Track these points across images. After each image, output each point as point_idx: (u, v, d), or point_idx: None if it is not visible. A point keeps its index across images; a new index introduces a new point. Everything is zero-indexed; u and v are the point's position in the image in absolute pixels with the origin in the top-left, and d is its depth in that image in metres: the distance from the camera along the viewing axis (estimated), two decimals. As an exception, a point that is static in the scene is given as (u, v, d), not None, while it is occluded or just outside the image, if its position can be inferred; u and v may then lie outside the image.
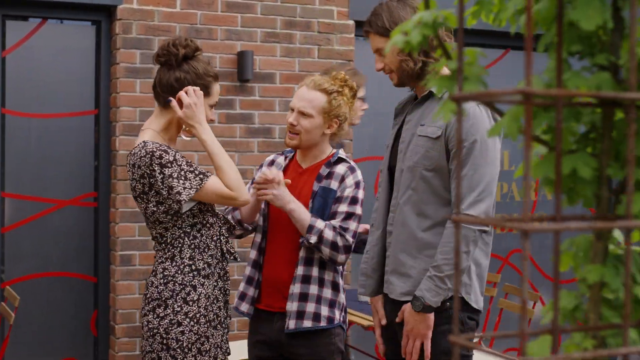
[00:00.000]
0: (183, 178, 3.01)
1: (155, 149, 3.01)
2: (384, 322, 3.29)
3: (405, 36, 1.41)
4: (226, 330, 3.23)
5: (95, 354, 5.56)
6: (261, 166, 3.76)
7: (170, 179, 3.00)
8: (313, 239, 3.39)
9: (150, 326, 3.08)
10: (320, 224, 3.43)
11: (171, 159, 3.02)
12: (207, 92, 3.17)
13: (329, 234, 3.41)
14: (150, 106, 5.34)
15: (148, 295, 3.13)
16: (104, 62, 5.50)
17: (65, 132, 5.50)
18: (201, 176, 3.04)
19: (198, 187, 3.02)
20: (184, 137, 3.27)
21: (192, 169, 3.05)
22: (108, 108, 5.50)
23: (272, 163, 3.74)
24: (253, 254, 3.55)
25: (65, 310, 5.52)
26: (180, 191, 2.99)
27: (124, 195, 5.33)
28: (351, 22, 5.92)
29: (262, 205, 3.62)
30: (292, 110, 3.56)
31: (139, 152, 3.04)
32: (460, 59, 1.29)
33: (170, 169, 3.00)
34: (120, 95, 5.33)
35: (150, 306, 3.10)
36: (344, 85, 3.61)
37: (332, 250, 3.42)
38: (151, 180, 3.02)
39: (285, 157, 3.71)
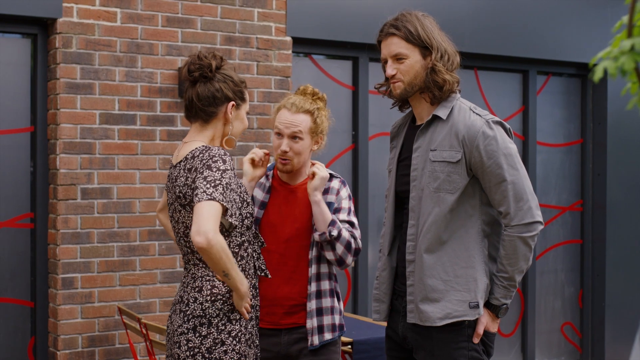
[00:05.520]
0: (214, 185, 2.85)
1: (216, 154, 2.91)
2: None
3: (614, 62, 1.43)
4: (257, 350, 3.16)
5: (33, 382, 5.30)
6: None
7: (203, 181, 2.86)
8: (335, 232, 3.43)
9: (190, 345, 2.97)
10: (339, 222, 3.46)
11: (223, 168, 2.89)
12: (243, 99, 3.15)
13: (346, 234, 3.47)
14: (91, 123, 5.18)
15: (189, 312, 2.99)
16: (41, 77, 5.27)
17: (-2, 151, 5.24)
18: (223, 197, 2.85)
19: (214, 199, 2.84)
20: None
21: (227, 188, 2.87)
22: (45, 125, 5.28)
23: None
24: None
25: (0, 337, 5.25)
26: (200, 192, 2.83)
27: (65, 215, 5.12)
28: (289, 39, 5.91)
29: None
30: (279, 134, 3.55)
31: (200, 155, 2.93)
32: None
33: (211, 172, 2.87)
34: (60, 111, 5.12)
35: (191, 324, 2.98)
36: (317, 98, 3.63)
37: (345, 249, 3.48)
38: (194, 179, 2.90)
39: (267, 176, 3.69)
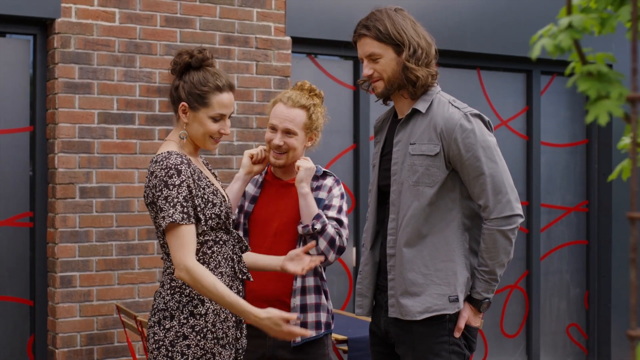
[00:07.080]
0: (172, 204, 2.89)
1: (172, 166, 2.91)
2: None
3: (552, 40, 1.42)
4: (240, 352, 3.13)
5: (32, 380, 5.33)
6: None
7: (164, 201, 2.90)
8: (318, 226, 3.40)
9: (156, 338, 2.98)
10: (325, 217, 3.44)
11: (178, 182, 2.90)
12: (202, 102, 3.04)
13: (331, 230, 3.43)
14: (90, 122, 5.21)
15: (154, 306, 3.03)
16: (40, 77, 5.31)
17: (-2, 150, 5.28)
18: (185, 216, 2.90)
19: (175, 221, 2.89)
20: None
21: (186, 202, 2.91)
22: (44, 124, 5.31)
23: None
24: None
25: (-1, 336, 5.28)
26: (165, 216, 2.89)
27: (64, 214, 5.15)
28: (288, 39, 5.92)
29: (242, 220, 3.59)
30: (273, 129, 3.53)
31: (161, 162, 2.94)
32: (635, 59, 1.30)
33: (169, 191, 2.90)
34: (59, 111, 5.15)
35: (156, 317, 3.00)
36: (313, 95, 3.61)
37: (328, 245, 3.44)
38: (155, 192, 2.94)
39: (261, 172, 3.69)
